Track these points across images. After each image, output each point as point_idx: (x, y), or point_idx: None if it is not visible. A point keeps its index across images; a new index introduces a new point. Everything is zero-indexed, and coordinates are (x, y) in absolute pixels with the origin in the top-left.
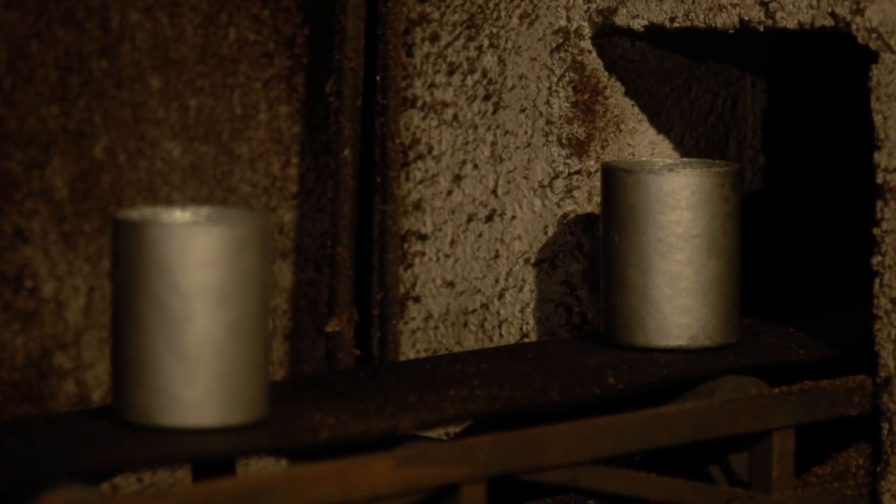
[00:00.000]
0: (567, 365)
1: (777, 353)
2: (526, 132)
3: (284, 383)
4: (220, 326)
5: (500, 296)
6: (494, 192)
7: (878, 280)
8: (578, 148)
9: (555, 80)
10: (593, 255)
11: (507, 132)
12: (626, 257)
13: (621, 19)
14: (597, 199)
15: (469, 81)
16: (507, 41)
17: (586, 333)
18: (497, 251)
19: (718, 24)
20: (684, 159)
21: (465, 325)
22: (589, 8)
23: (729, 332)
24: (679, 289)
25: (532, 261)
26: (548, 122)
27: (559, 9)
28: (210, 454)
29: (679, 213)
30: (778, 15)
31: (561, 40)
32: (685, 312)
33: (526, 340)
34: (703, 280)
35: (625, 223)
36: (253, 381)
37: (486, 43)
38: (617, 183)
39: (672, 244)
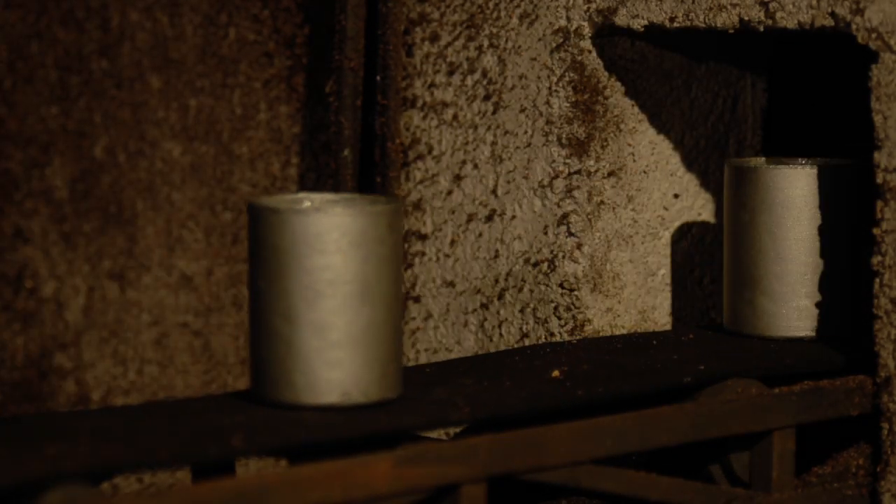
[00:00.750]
0: (201, 423)
1: (438, 412)
2: (526, 132)
3: None
4: None
5: (500, 296)
6: (494, 192)
7: (878, 280)
8: (578, 148)
9: (555, 80)
10: (593, 255)
11: (507, 132)
12: (273, 306)
13: (621, 19)
14: (597, 199)
15: (469, 81)
16: (507, 41)
17: (241, 392)
18: (497, 251)
19: (718, 24)
20: (346, 196)
21: (465, 325)
22: (589, 8)
23: (387, 386)
24: (328, 340)
25: (532, 261)
26: (548, 122)
27: (559, 9)
28: None
29: (328, 257)
30: (778, 15)
31: (561, 40)
32: (336, 366)
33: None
34: (356, 330)
35: (271, 268)
36: None
37: (486, 43)
38: (262, 223)
39: (320, 291)
